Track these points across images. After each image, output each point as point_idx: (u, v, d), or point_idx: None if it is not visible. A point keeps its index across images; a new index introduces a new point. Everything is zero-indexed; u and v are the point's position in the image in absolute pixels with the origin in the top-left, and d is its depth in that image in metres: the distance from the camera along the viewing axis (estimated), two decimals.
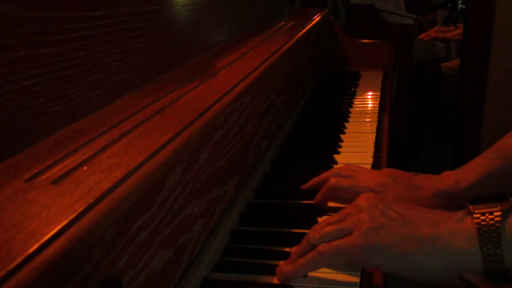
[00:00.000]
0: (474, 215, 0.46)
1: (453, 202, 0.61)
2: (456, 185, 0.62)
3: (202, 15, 0.85)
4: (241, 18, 1.07)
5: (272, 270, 0.56)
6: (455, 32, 2.63)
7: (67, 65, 0.49)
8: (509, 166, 0.61)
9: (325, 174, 0.71)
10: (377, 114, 1.09)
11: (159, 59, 0.68)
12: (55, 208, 0.34)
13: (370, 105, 1.18)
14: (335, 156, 0.87)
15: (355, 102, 1.19)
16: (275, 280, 0.54)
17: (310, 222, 0.64)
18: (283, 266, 0.52)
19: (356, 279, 0.53)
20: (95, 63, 0.54)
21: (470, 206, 0.47)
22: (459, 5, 3.04)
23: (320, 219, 0.66)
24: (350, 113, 1.11)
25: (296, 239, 0.61)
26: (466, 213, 0.47)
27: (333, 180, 0.67)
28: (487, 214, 0.45)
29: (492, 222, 0.44)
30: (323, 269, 0.55)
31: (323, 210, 0.69)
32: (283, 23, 1.23)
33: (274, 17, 1.35)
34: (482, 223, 0.45)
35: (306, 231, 0.62)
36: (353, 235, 0.48)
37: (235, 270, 0.57)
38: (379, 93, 1.25)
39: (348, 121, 1.06)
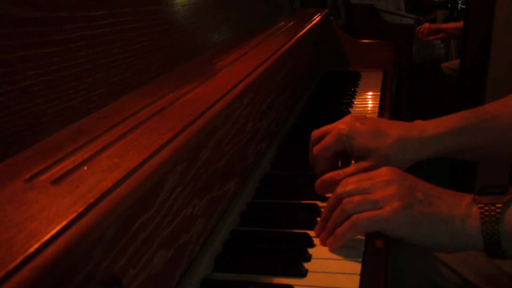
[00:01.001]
0: (479, 205, 0.53)
1: (415, 149, 0.65)
2: (421, 133, 0.65)
3: (202, 15, 0.85)
4: (241, 18, 1.07)
5: (272, 270, 0.56)
6: (450, 24, 2.62)
7: (67, 65, 0.49)
8: (478, 126, 0.65)
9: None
10: (377, 114, 1.09)
11: (159, 59, 0.68)
12: (55, 208, 0.34)
13: (370, 105, 1.18)
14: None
15: (355, 102, 1.19)
16: (275, 280, 0.55)
17: (310, 222, 0.64)
18: (325, 239, 0.60)
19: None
20: (95, 63, 0.54)
21: (476, 197, 0.54)
22: (459, 5, 3.05)
23: (320, 219, 0.66)
24: (350, 113, 1.11)
25: (296, 239, 0.61)
26: (473, 200, 0.54)
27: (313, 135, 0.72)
28: (490, 205, 0.52)
29: (493, 213, 0.52)
30: (322, 269, 0.55)
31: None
32: (283, 23, 1.23)
33: (274, 17, 1.35)
34: (485, 213, 0.52)
35: (306, 231, 0.62)
36: (386, 210, 0.54)
37: (235, 270, 0.57)
38: (379, 93, 1.25)
39: None
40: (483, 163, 1.80)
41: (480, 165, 1.84)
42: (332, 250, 0.58)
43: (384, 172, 0.58)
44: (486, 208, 0.52)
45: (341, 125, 0.68)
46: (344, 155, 0.72)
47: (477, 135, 0.65)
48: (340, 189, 0.59)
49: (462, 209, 0.54)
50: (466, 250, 0.56)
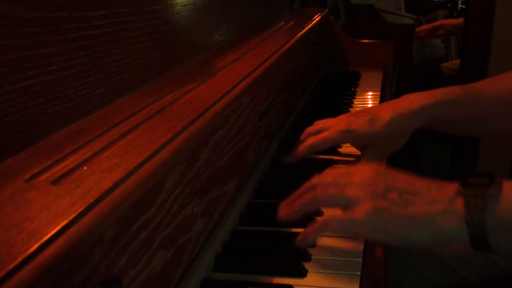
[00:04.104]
0: (464, 199, 0.49)
1: (409, 120, 0.71)
2: (411, 104, 0.71)
3: (202, 15, 0.85)
4: (241, 18, 1.07)
5: (272, 270, 0.56)
6: (446, 20, 2.61)
7: (67, 65, 0.49)
8: (465, 99, 0.70)
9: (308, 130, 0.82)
10: None
11: (159, 59, 0.68)
12: (55, 208, 0.34)
13: (370, 105, 1.18)
14: (335, 155, 0.87)
15: (355, 102, 1.19)
16: (275, 280, 0.55)
17: (310, 222, 0.64)
18: (282, 210, 0.59)
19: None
20: (95, 63, 0.54)
21: (461, 189, 0.50)
22: (459, 5, 3.05)
23: (319, 219, 0.66)
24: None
25: None
26: (457, 193, 0.50)
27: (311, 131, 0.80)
28: (476, 198, 0.48)
29: (479, 207, 0.47)
30: (322, 269, 0.55)
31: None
32: (283, 23, 1.23)
33: (274, 17, 1.35)
34: (470, 207, 0.48)
35: None
36: (357, 213, 0.52)
37: (235, 270, 0.57)
38: (379, 93, 1.25)
39: None
40: (484, 157, 1.80)
41: (481, 158, 1.84)
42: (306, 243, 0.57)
43: (363, 170, 0.56)
44: (472, 201, 0.48)
45: (338, 123, 0.75)
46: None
47: (463, 108, 0.69)
48: (317, 179, 0.58)
49: (443, 203, 0.50)
50: (451, 246, 0.54)
